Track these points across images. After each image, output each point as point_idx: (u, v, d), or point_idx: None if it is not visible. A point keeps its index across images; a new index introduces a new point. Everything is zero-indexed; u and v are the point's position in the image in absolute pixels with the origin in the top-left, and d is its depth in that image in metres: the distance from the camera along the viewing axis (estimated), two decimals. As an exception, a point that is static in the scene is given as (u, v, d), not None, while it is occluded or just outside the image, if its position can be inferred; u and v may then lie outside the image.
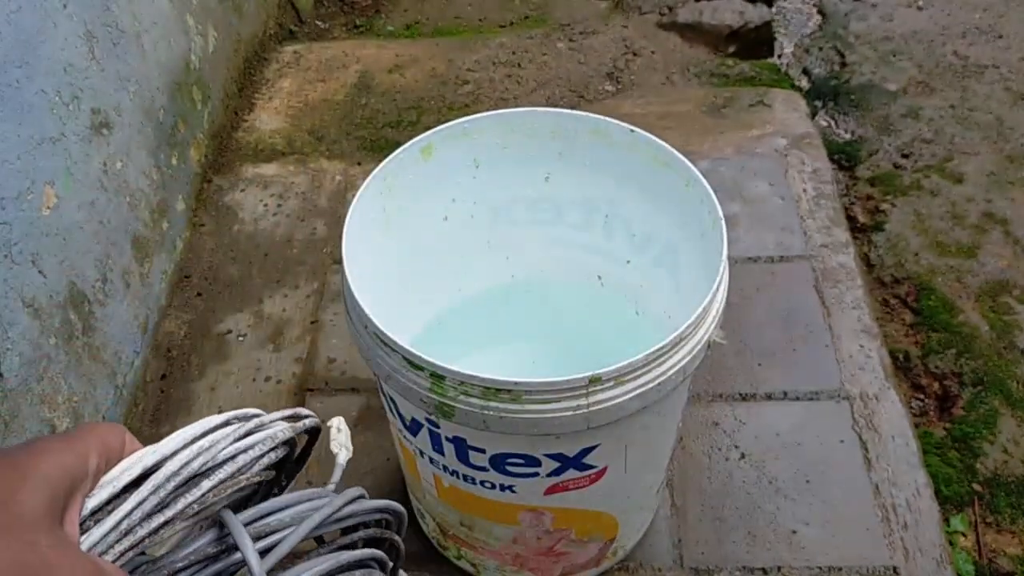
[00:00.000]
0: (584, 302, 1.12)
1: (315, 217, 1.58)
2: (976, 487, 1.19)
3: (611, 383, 0.73)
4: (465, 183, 0.99)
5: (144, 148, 1.39)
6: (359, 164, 1.67)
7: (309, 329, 1.39)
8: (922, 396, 1.32)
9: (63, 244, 1.14)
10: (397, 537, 0.56)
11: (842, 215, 1.52)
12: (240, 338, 1.38)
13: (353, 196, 0.87)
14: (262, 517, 0.47)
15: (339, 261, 0.81)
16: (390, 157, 0.90)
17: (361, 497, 0.51)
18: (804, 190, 1.55)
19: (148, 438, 0.43)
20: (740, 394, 1.27)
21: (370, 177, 0.88)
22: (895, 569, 1.08)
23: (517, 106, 1.07)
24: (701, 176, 0.86)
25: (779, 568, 1.09)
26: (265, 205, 1.60)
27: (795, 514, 1.13)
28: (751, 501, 1.15)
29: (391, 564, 0.55)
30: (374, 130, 1.75)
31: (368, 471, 1.19)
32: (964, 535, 1.14)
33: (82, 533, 0.40)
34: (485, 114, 0.95)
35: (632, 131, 0.91)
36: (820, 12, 2.09)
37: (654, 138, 0.90)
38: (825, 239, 1.47)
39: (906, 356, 1.35)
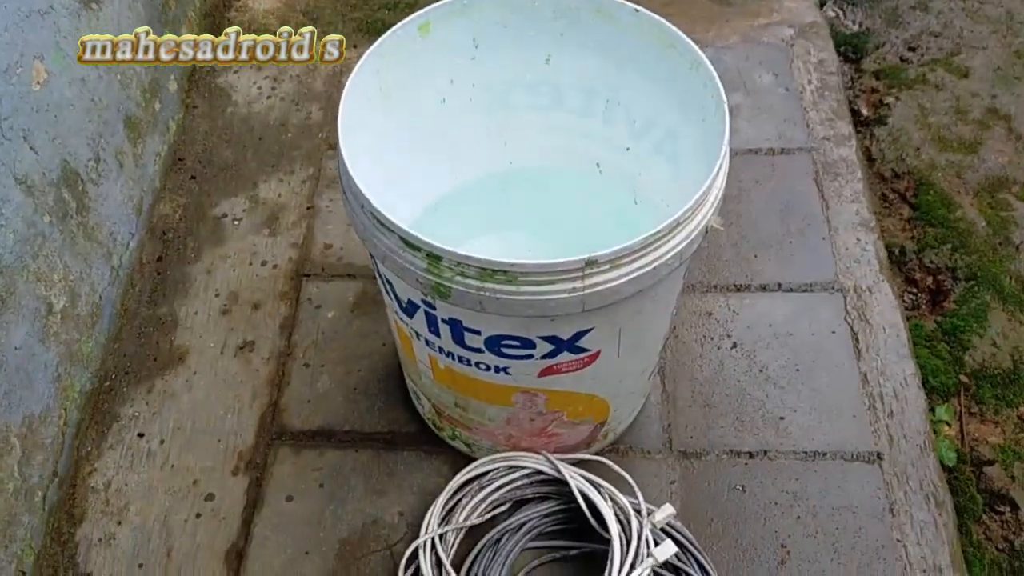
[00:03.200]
0: (582, 190, 1.11)
1: (310, 101, 1.55)
2: (963, 378, 1.21)
3: (607, 266, 0.73)
4: (463, 64, 0.97)
5: (134, 24, 1.35)
6: (355, 47, 1.62)
7: (305, 215, 1.38)
8: (915, 290, 1.33)
9: (55, 121, 1.12)
10: None
11: (846, 108, 1.50)
12: (236, 222, 1.38)
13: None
14: None
15: (335, 145, 0.80)
16: (387, 34, 0.88)
17: None
18: (808, 81, 1.53)
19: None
20: (735, 285, 1.27)
21: (366, 54, 0.86)
22: (879, 455, 1.10)
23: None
24: (706, 59, 0.84)
25: (765, 452, 1.11)
26: (259, 88, 1.57)
27: (784, 401, 1.16)
28: (741, 388, 1.17)
29: None
30: (370, 11, 1.70)
31: (365, 355, 1.20)
32: (948, 424, 1.17)
33: None
34: (485, -9, 0.92)
35: (637, 11, 0.88)
36: None
37: (659, 18, 0.87)
38: (827, 132, 1.45)
39: (902, 250, 1.35)
